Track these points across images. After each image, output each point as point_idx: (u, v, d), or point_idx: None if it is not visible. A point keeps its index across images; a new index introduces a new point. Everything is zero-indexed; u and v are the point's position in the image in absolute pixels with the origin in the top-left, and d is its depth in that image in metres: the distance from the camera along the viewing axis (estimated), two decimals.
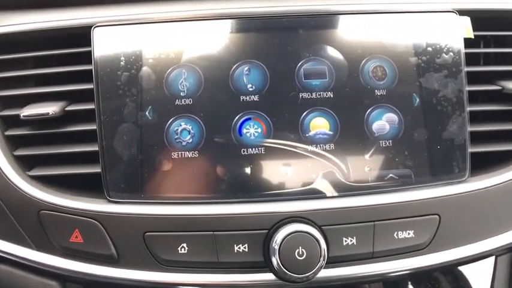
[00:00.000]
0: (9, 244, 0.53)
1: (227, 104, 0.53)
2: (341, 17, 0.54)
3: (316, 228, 0.48)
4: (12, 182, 0.52)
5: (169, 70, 0.53)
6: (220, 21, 0.54)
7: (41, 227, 0.52)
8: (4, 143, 0.53)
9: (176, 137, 0.52)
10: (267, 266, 0.49)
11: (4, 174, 0.52)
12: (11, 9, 0.58)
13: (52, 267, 0.52)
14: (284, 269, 0.46)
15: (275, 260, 0.47)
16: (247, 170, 0.51)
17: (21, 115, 0.53)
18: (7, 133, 0.54)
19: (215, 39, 0.54)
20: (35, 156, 0.53)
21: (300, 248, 0.47)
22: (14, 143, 0.54)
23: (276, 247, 0.47)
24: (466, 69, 0.53)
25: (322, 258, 0.47)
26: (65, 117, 0.54)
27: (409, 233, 0.50)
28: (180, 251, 0.50)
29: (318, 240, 0.47)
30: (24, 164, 0.53)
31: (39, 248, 0.52)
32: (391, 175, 0.52)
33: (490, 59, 0.58)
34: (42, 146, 0.54)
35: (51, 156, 0.53)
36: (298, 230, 0.47)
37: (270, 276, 0.49)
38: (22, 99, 0.55)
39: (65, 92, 0.55)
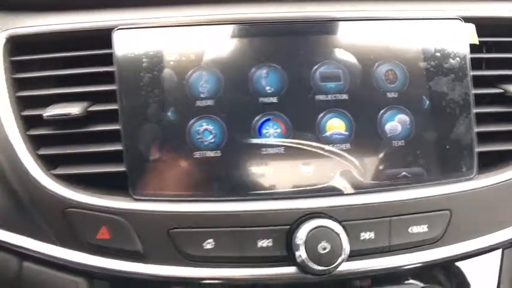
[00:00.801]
0: (35, 241, 0.54)
1: (247, 105, 0.55)
2: (354, 23, 0.57)
3: (338, 223, 0.50)
4: (37, 180, 0.53)
5: (190, 72, 0.55)
6: (238, 25, 0.56)
7: (67, 225, 0.52)
8: (27, 143, 0.54)
9: (198, 136, 0.54)
10: (290, 260, 0.51)
11: (29, 173, 0.53)
12: (32, 11, 0.59)
13: (78, 264, 0.53)
14: (310, 262, 0.48)
15: (300, 254, 0.49)
16: (268, 169, 0.54)
17: (44, 115, 0.54)
18: (30, 133, 0.55)
19: (234, 43, 0.56)
20: (58, 156, 0.54)
21: (324, 242, 0.49)
22: (36, 142, 0.55)
23: (301, 241, 0.49)
24: (472, 73, 0.56)
25: (343, 252, 0.49)
26: (87, 117, 0.55)
27: (422, 228, 0.53)
28: (205, 247, 0.51)
29: (339, 235, 0.49)
30: (47, 163, 0.54)
31: (65, 245, 0.53)
32: (404, 173, 0.55)
33: (491, 64, 0.62)
34: (64, 146, 0.55)
35: (73, 156, 0.55)
36: (321, 225, 0.49)
37: (292, 270, 0.51)
38: (41, 100, 0.56)
39: (85, 92, 0.56)
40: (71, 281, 0.54)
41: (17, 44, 0.58)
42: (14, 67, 0.57)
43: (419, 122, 0.56)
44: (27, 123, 0.56)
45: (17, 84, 0.57)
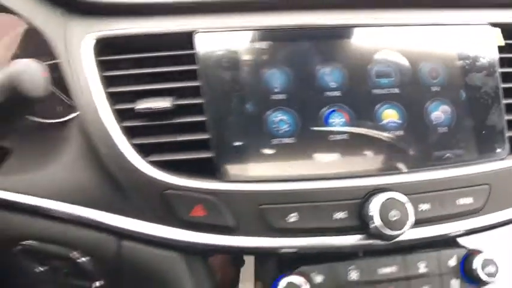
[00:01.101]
0: (133, 221, 0.60)
1: (314, 98, 0.63)
2: (401, 28, 0.67)
3: (403, 195, 0.59)
4: (136, 167, 0.59)
5: (263, 70, 0.63)
6: (304, 30, 0.65)
7: (164, 205, 0.59)
8: (123, 133, 0.60)
9: (274, 126, 0.62)
10: (361, 229, 0.60)
11: (129, 160, 0.59)
12: (116, 16, 0.65)
13: (174, 240, 0.59)
14: (383, 228, 0.57)
15: (374, 222, 0.57)
16: (337, 152, 0.62)
17: (136, 108, 0.60)
18: (124, 124, 0.61)
19: (301, 45, 0.64)
20: (149, 144, 0.61)
21: (393, 211, 0.58)
22: (130, 133, 0.61)
23: (374, 211, 0.58)
24: (500, 70, 0.67)
25: (409, 220, 0.58)
26: (173, 110, 0.62)
27: (468, 200, 0.63)
28: (289, 220, 0.59)
29: (405, 205, 0.58)
30: (140, 151, 0.61)
31: (162, 223, 0.60)
32: (448, 154, 0.65)
33: None
34: (155, 136, 0.61)
35: (163, 144, 0.61)
36: (391, 197, 0.58)
37: (364, 237, 0.60)
38: (128, 95, 0.63)
39: (170, 88, 0.63)
40: (167, 256, 0.60)
41: (103, 46, 0.64)
42: (101, 66, 0.63)
43: (458, 111, 0.66)
44: (119, 116, 0.62)
45: (105, 82, 0.63)
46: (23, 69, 0.47)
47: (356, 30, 0.66)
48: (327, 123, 0.63)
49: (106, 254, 0.60)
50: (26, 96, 0.48)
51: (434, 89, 0.66)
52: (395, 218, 0.58)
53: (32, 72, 0.48)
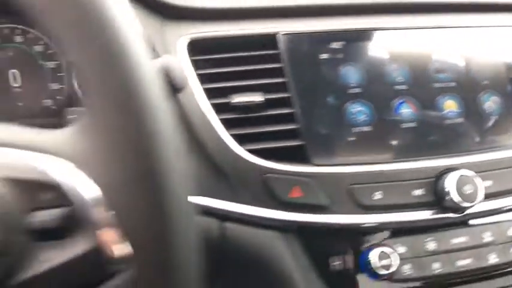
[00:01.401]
0: (235, 204, 0.66)
1: (385, 92, 0.72)
2: (457, 29, 0.76)
3: (474, 172, 0.68)
4: (238, 154, 0.66)
5: (340, 67, 0.71)
6: (374, 31, 0.74)
7: (264, 188, 0.66)
8: (222, 125, 0.67)
9: (353, 116, 0.70)
10: (436, 204, 0.68)
11: (231, 149, 0.66)
12: (205, 20, 0.72)
13: (274, 220, 0.66)
14: (459, 201, 0.65)
15: (451, 195, 0.66)
16: (409, 137, 0.71)
17: (233, 102, 0.67)
18: (221, 117, 0.68)
19: (372, 44, 0.73)
20: (245, 135, 0.68)
21: (467, 185, 0.66)
22: (226, 124, 0.68)
23: (451, 187, 0.66)
24: None
25: (479, 193, 0.67)
26: (262, 104, 0.68)
27: None
28: (374, 197, 0.67)
29: (474, 180, 0.67)
30: (236, 141, 0.67)
31: (262, 205, 0.66)
32: (501, 138, 0.74)
33: None
34: (249, 127, 0.68)
35: (255, 134, 0.68)
36: (463, 174, 0.67)
37: (439, 211, 0.68)
38: (219, 91, 0.69)
39: (259, 84, 0.70)
40: (268, 235, 0.67)
41: (195, 47, 0.71)
42: (195, 65, 0.70)
43: (507, 101, 0.75)
44: (216, 110, 0.68)
45: (200, 79, 0.69)
46: (173, 62, 0.54)
47: (417, 32, 0.75)
48: (397, 113, 0.72)
49: (210, 236, 0.66)
50: (174, 86, 0.54)
51: (485, 82, 0.75)
52: (469, 192, 0.66)
53: (178, 66, 0.54)
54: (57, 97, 0.82)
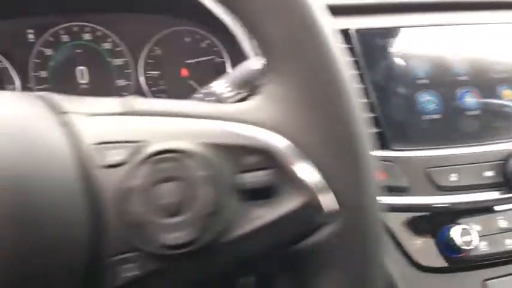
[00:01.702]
0: None
1: (450, 82, 0.77)
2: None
3: None
4: None
5: (410, 60, 0.77)
6: (437, 27, 0.80)
7: None
8: None
9: (422, 105, 0.75)
10: (507, 184, 0.73)
11: None
12: None
13: None
14: None
15: None
16: (475, 124, 0.76)
17: None
18: None
19: (436, 39, 0.79)
20: None
21: None
22: None
23: None
24: None
25: None
26: None
27: None
28: (451, 179, 0.72)
29: None
30: None
31: None
32: None
33: None
34: None
35: None
36: None
37: (507, 191, 0.73)
38: None
39: None
40: None
41: None
42: None
43: None
44: None
45: None
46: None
47: (476, 27, 0.81)
48: (461, 102, 0.77)
49: None
50: None
51: None
52: None
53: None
54: (124, 94, 0.85)
